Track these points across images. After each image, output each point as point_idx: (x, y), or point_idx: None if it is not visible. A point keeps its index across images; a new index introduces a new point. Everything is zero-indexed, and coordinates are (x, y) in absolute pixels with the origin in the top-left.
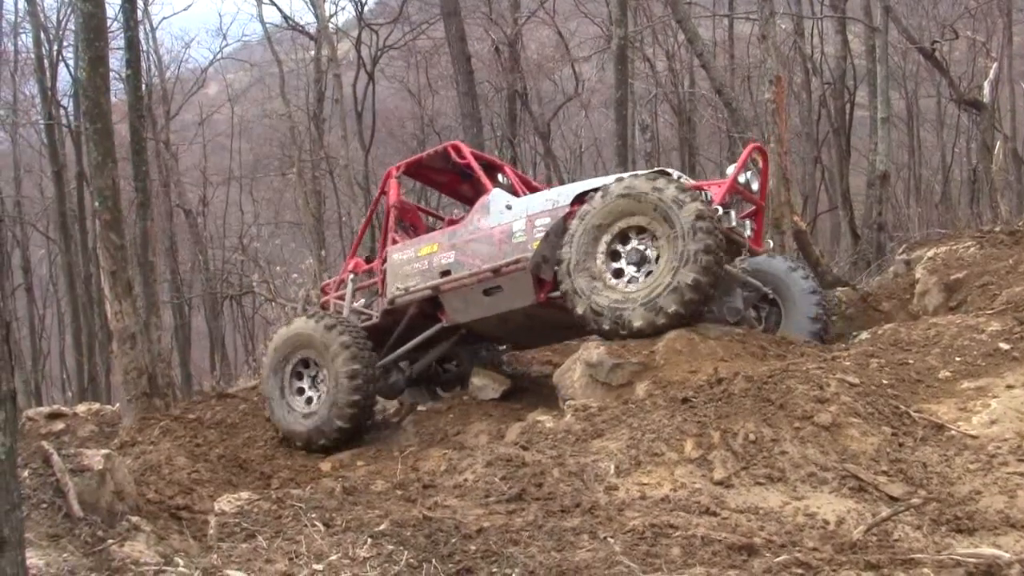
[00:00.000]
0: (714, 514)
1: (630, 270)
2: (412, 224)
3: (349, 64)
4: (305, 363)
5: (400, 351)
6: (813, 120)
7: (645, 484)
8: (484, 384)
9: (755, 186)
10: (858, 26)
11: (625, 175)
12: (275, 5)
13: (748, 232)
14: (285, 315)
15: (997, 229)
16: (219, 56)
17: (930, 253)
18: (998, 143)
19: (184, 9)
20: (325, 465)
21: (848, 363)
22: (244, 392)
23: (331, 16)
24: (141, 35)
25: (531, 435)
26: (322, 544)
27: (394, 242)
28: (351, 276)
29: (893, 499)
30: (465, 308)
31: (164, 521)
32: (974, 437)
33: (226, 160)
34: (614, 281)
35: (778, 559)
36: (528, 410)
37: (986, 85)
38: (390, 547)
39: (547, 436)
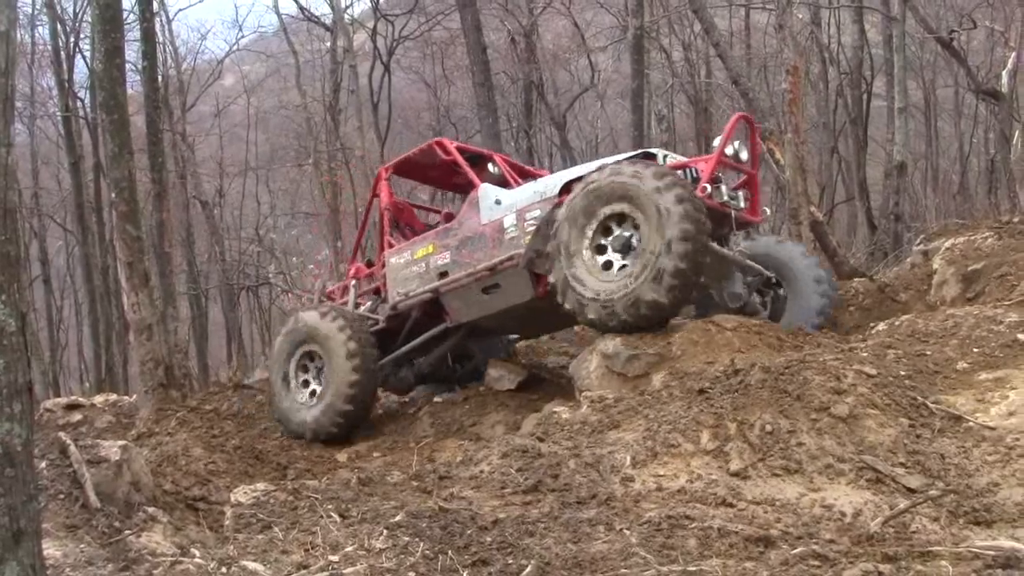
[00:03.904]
0: (730, 505)
1: (615, 258)
2: (409, 224)
3: (365, 55)
4: (310, 356)
5: (403, 349)
6: (830, 110)
7: (661, 475)
8: (500, 375)
9: (744, 155)
10: (875, 15)
11: (608, 160)
12: None
13: (743, 204)
14: (301, 305)
15: (1015, 219)
16: (235, 47)
17: (948, 243)
18: (1016, 133)
19: (200, 0)
20: (341, 456)
21: (865, 354)
22: (260, 383)
23: (347, 7)
24: (157, 26)
25: (547, 426)
26: (338, 535)
27: (390, 246)
28: (353, 282)
29: (911, 491)
30: (466, 308)
31: (181, 512)
32: (992, 428)
33: (242, 151)
34: (601, 271)
35: (795, 551)
36: (544, 401)
37: (1004, 75)
38: (406, 538)
39: (563, 427)
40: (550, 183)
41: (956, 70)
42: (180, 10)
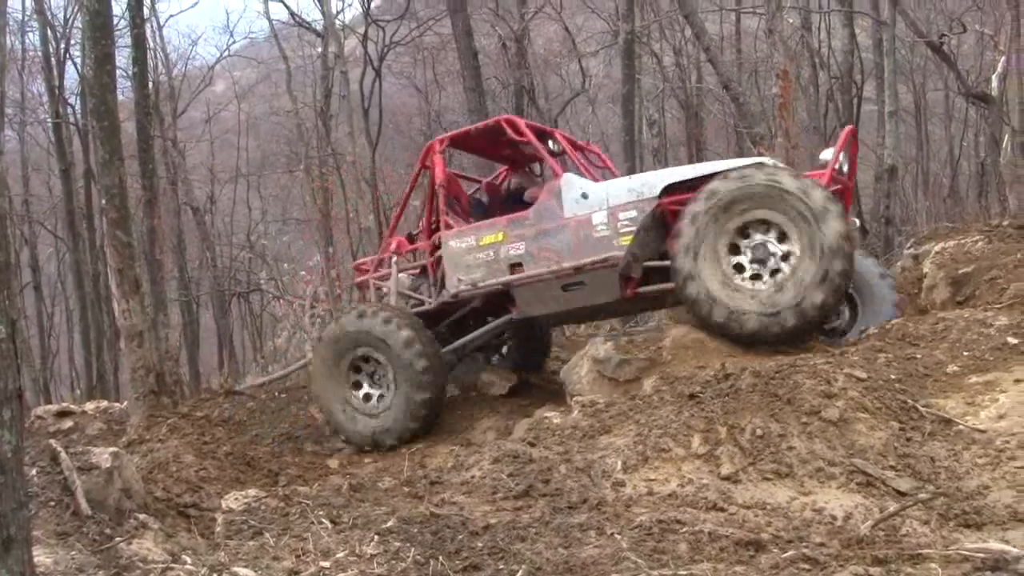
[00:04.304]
0: (721, 510)
1: (752, 267)
2: (455, 196)
3: (356, 60)
4: (365, 359)
5: (463, 340)
6: (821, 114)
7: (652, 480)
8: (491, 380)
9: (846, 168)
10: (865, 20)
11: (719, 165)
12: (282, 2)
13: None
14: (293, 312)
15: (1005, 223)
16: (226, 53)
17: (938, 247)
18: (1006, 136)
19: (191, 6)
20: (333, 462)
21: (856, 358)
22: (252, 389)
23: (338, 13)
24: (148, 32)
25: (538, 431)
26: (329, 541)
27: (448, 227)
28: (394, 258)
29: (901, 494)
30: (540, 302)
31: (172, 519)
32: (982, 431)
33: (233, 157)
34: (736, 278)
35: (785, 555)
36: (536, 406)
37: (994, 78)
38: (397, 544)
39: (554, 432)
40: (647, 183)
41: (946, 74)
42: (171, 16)
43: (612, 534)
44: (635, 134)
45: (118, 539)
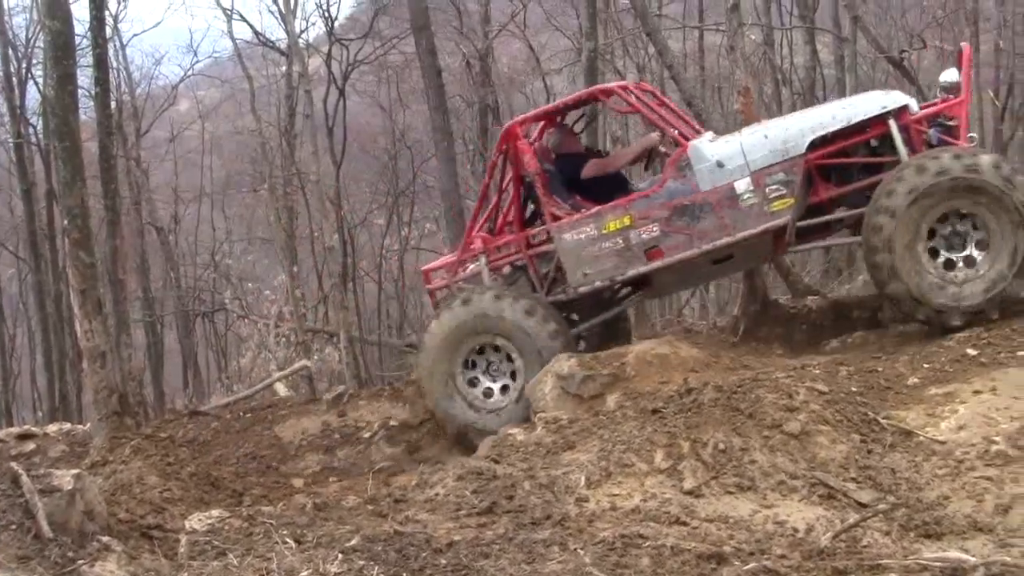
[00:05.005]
0: (684, 523)
1: (946, 253)
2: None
3: (320, 79)
4: (480, 350)
5: (587, 324)
6: None
7: (615, 495)
8: None
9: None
10: (827, 36)
11: (853, 102)
12: (245, 21)
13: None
14: (258, 332)
15: None
16: (190, 73)
17: None
18: None
19: (154, 26)
20: (297, 481)
21: (818, 371)
22: (216, 410)
23: (302, 32)
24: (112, 52)
25: (502, 448)
26: (293, 560)
27: (555, 218)
28: (483, 257)
29: (862, 505)
30: (682, 279)
31: (135, 540)
32: (942, 443)
33: (197, 177)
34: (930, 263)
35: (747, 567)
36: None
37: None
38: (361, 562)
39: (518, 449)
40: (791, 140)
41: (907, 89)
42: (135, 35)
43: (575, 549)
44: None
45: (80, 562)
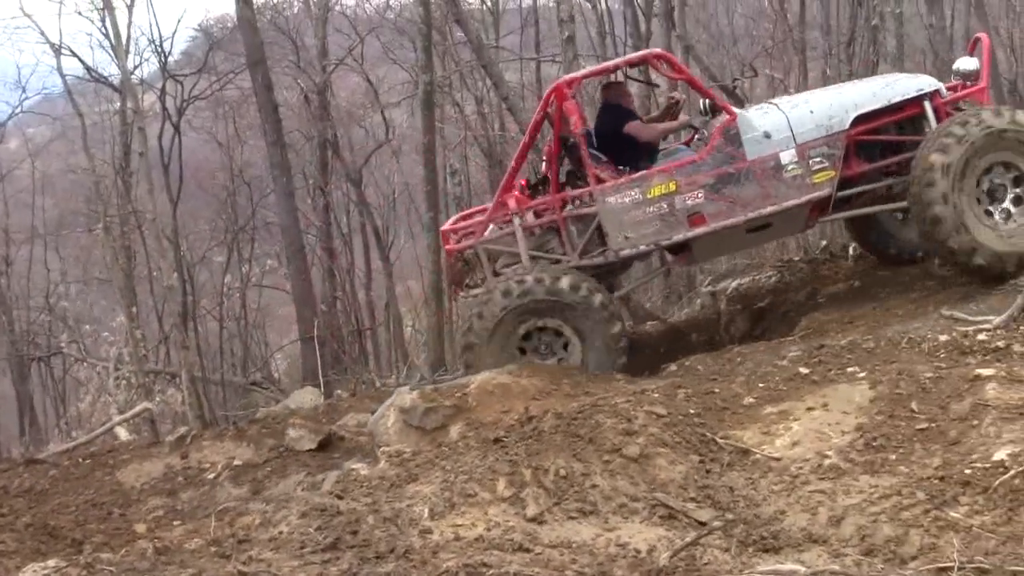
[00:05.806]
0: (527, 550)
1: (991, 206)
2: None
3: (155, 116)
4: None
5: (627, 289)
6: None
7: (459, 525)
8: (300, 435)
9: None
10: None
11: (897, 78)
12: (76, 56)
13: None
14: (97, 375)
15: (796, 258)
16: (18, 110)
17: (734, 284)
18: None
19: None
20: (140, 527)
21: (656, 395)
22: (55, 456)
23: (135, 68)
24: None
25: (346, 483)
26: None
27: (598, 180)
28: (517, 218)
29: (702, 524)
30: (718, 246)
31: None
32: (778, 459)
33: (29, 217)
34: (981, 214)
35: None
36: (346, 458)
37: None
38: None
39: (362, 483)
40: (836, 116)
41: None
42: None
43: None
44: (438, 184)
45: None
